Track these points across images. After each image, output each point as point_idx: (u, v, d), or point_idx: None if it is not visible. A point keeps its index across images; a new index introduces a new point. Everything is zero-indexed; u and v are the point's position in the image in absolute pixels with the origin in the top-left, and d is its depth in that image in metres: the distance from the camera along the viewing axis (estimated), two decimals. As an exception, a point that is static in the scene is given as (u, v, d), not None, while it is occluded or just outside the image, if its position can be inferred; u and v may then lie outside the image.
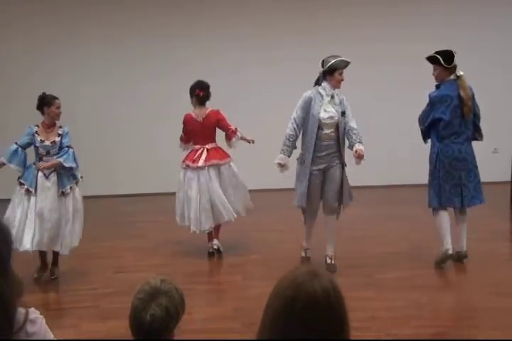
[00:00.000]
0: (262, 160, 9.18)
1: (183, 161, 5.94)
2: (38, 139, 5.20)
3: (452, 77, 5.24)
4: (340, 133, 5.34)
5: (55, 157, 5.16)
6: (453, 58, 5.17)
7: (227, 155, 6.01)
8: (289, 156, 5.40)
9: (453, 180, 5.28)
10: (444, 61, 5.16)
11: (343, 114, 5.30)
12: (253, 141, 6.11)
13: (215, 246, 5.95)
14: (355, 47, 8.86)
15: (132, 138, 9.11)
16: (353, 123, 5.34)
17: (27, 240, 4.96)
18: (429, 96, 5.36)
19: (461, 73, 5.23)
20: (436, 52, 5.24)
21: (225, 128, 5.96)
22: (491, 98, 9.29)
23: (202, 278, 5.28)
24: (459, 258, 5.43)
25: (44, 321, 1.81)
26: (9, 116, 9.11)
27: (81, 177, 5.34)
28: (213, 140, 6.01)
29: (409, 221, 7.00)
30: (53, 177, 5.14)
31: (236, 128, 5.99)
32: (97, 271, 5.57)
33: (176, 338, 2.01)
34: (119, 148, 9.16)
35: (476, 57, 9.20)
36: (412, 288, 4.84)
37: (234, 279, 5.24)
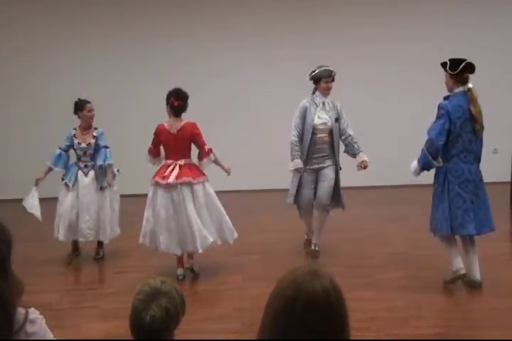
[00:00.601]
0: (262, 160, 9.25)
1: (153, 177, 5.25)
2: (76, 142, 5.80)
3: (461, 88, 4.75)
4: (335, 137, 5.75)
5: (92, 159, 5.82)
6: (458, 66, 4.71)
7: (201, 174, 5.34)
8: (302, 159, 5.70)
9: (464, 204, 4.76)
10: (449, 67, 4.76)
11: (337, 120, 5.72)
12: (229, 173, 5.58)
13: (188, 265, 5.39)
14: (355, 48, 8.88)
15: (133, 138, 9.10)
16: (350, 131, 5.77)
17: (67, 231, 5.67)
18: (440, 105, 4.79)
19: (470, 86, 4.74)
20: (450, 58, 4.85)
21: (200, 144, 5.31)
22: (491, 98, 9.30)
23: (202, 278, 5.28)
24: (471, 285, 4.86)
25: (44, 321, 1.81)
26: (9, 116, 9.12)
27: (117, 170, 5.96)
28: (187, 155, 5.32)
29: (409, 221, 7.00)
30: (92, 174, 5.77)
31: (211, 149, 5.37)
32: (97, 271, 5.57)
33: (176, 338, 2.01)
34: (119, 148, 9.13)
35: (476, 57, 9.13)
36: (412, 288, 4.84)
37: (234, 279, 5.24)
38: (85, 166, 5.80)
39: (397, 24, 9.14)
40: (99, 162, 5.78)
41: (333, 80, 5.70)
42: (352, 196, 8.90)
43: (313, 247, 5.95)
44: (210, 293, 4.91)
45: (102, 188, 5.78)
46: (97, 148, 5.82)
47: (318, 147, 5.70)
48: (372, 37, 8.97)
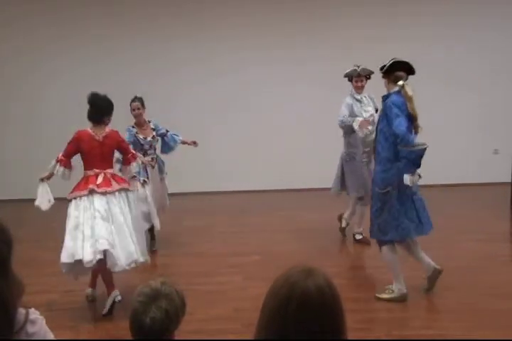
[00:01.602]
0: (262, 160, 9.25)
1: (79, 189, 4.63)
2: (141, 137, 6.01)
3: (397, 88, 4.59)
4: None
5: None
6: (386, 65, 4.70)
7: (127, 182, 4.94)
8: (355, 152, 6.08)
9: (415, 205, 4.58)
10: (379, 69, 4.76)
11: (376, 111, 6.00)
12: (152, 166, 5.93)
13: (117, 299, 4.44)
14: (355, 48, 8.88)
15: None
16: None
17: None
18: (389, 104, 4.51)
19: (401, 83, 4.57)
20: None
21: (126, 150, 4.99)
22: (492, 99, 9.31)
23: (202, 278, 5.28)
24: (435, 277, 4.76)
25: (44, 321, 1.81)
26: (9, 116, 9.12)
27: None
28: (111, 165, 4.90)
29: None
30: (156, 166, 6.13)
31: (136, 154, 5.20)
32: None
33: (175, 338, 2.01)
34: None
35: (476, 58, 9.21)
36: (413, 289, 4.84)
37: (234, 280, 5.24)
38: (152, 159, 6.07)
39: (397, 24, 9.14)
40: (178, 140, 6.31)
41: (368, 78, 6.11)
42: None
43: (361, 236, 6.20)
44: (209, 294, 4.91)
45: (162, 179, 6.21)
46: (162, 136, 6.22)
47: (369, 140, 5.83)
48: (372, 37, 8.97)
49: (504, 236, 6.48)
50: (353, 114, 5.99)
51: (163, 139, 6.29)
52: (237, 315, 4.33)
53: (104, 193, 4.59)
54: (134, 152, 5.15)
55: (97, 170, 4.70)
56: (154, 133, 6.14)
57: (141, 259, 4.67)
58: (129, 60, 9.13)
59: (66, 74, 9.00)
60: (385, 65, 4.68)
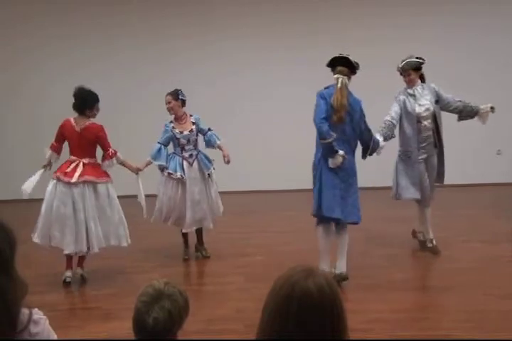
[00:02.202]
0: (266, 160, 9.25)
1: (55, 172, 5.16)
2: (177, 131, 5.82)
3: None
4: (438, 122, 5.84)
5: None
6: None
7: (105, 175, 5.23)
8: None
9: (334, 189, 4.90)
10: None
11: (437, 102, 5.81)
12: (137, 172, 5.54)
13: (79, 273, 5.31)
14: (356, 49, 8.86)
15: (134, 139, 9.11)
16: (457, 98, 5.98)
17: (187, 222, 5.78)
18: (318, 93, 4.92)
19: (335, 76, 4.93)
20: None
21: (103, 147, 5.24)
22: (494, 99, 9.28)
23: (205, 279, 5.28)
24: (336, 279, 4.74)
25: (47, 322, 1.82)
26: (11, 116, 9.14)
27: (213, 159, 5.98)
28: (92, 155, 5.24)
29: (411, 222, 6.98)
30: (196, 164, 5.83)
31: (115, 152, 5.28)
32: (100, 271, 5.57)
33: (178, 338, 2.01)
34: (122, 149, 9.16)
35: (477, 59, 9.20)
36: (416, 289, 4.84)
37: (237, 280, 5.24)
38: (190, 156, 5.82)
39: (397, 25, 9.15)
40: (214, 144, 5.96)
41: (417, 69, 5.76)
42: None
43: (431, 244, 5.91)
44: (212, 294, 4.91)
45: (209, 175, 5.88)
46: (197, 134, 5.93)
47: (425, 135, 5.76)
48: (373, 38, 8.99)
49: (508, 237, 6.46)
50: (405, 111, 5.75)
51: (204, 137, 6.02)
52: (239, 316, 4.33)
53: (67, 183, 4.98)
54: (113, 150, 5.22)
55: (73, 158, 5.12)
56: (194, 127, 5.88)
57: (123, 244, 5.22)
58: (130, 61, 9.14)
59: (68, 75, 8.99)
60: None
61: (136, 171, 5.50)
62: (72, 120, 5.17)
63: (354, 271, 5.35)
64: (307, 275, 1.61)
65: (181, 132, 5.82)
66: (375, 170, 9.06)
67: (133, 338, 1.97)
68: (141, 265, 5.78)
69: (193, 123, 5.89)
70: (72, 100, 5.16)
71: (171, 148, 5.91)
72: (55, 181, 5.07)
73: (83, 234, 4.98)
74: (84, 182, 5.02)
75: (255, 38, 9.09)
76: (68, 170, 5.03)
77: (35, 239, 5.07)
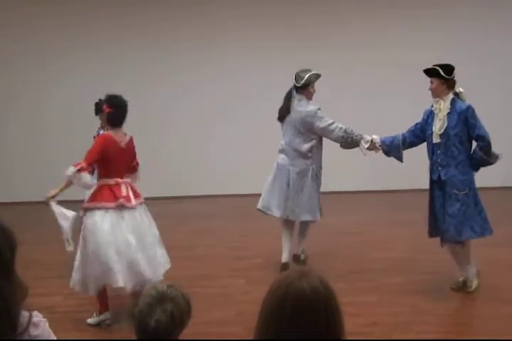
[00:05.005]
0: (266, 163, 9.22)
1: (104, 200, 4.24)
2: None
3: (451, 94, 4.83)
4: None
5: None
6: (453, 71, 4.81)
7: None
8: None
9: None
10: (444, 73, 4.76)
11: None
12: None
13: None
14: (356, 52, 8.89)
15: (136, 140, 9.14)
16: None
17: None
18: (472, 107, 4.81)
19: (461, 90, 4.89)
20: (435, 65, 4.87)
21: (135, 157, 4.69)
22: (493, 103, 9.29)
23: (205, 281, 5.27)
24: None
25: (47, 324, 1.82)
26: (13, 118, 9.14)
27: None
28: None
29: (411, 226, 6.98)
30: None
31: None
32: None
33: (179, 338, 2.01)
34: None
35: (476, 62, 9.20)
36: (415, 293, 4.83)
37: (237, 283, 5.24)
38: None
39: (397, 28, 9.16)
40: None
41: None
42: (353, 201, 8.94)
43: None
44: (212, 297, 4.90)
45: None
46: None
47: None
48: (374, 41, 9.01)
49: (508, 241, 6.45)
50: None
51: None
52: (239, 319, 4.33)
53: (132, 208, 4.29)
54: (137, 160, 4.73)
55: (118, 180, 4.33)
56: None
57: (167, 267, 4.57)
58: (131, 62, 9.15)
59: (71, 76, 9.03)
60: (431, 68, 4.85)
61: None
62: (114, 136, 4.35)
63: (354, 274, 5.35)
64: (301, 276, 1.63)
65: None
66: (373, 174, 9.10)
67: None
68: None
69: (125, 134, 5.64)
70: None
71: None
72: (109, 211, 4.21)
73: (145, 264, 4.28)
74: (141, 204, 4.40)
75: (255, 38, 9.10)
76: (124, 194, 4.27)
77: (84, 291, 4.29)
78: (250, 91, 9.17)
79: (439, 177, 4.80)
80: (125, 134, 4.47)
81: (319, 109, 5.46)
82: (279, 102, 9.03)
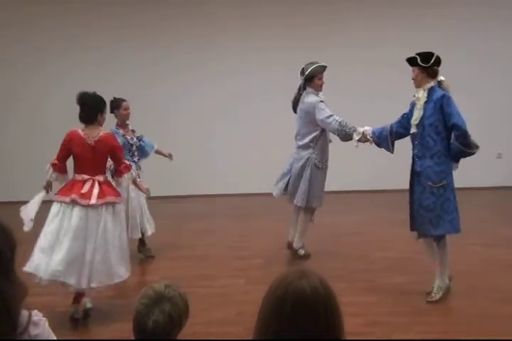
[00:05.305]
0: (266, 163, 9.23)
1: (63, 193, 4.35)
2: (129, 138, 5.85)
3: (433, 83, 4.62)
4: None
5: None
6: (431, 58, 4.57)
7: (119, 193, 4.55)
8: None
9: None
10: (421, 60, 4.56)
11: None
12: (149, 193, 5.07)
13: (87, 306, 4.50)
14: (356, 52, 8.89)
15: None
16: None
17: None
18: (448, 95, 4.57)
19: (443, 78, 4.66)
20: (417, 53, 4.64)
21: (119, 159, 4.56)
22: (494, 103, 9.30)
23: (204, 281, 5.27)
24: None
25: (47, 323, 1.82)
26: (12, 118, 9.14)
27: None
28: (104, 171, 4.56)
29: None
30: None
31: (130, 165, 4.71)
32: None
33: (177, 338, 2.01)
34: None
35: (476, 62, 9.21)
36: (415, 293, 4.83)
37: (237, 283, 5.24)
38: (138, 160, 5.93)
39: (397, 28, 9.17)
40: (150, 149, 6.10)
41: None
42: (353, 201, 8.94)
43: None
44: (212, 297, 4.90)
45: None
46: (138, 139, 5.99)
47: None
48: (373, 41, 9.01)
49: (508, 241, 6.46)
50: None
51: (139, 143, 5.99)
52: (239, 319, 4.33)
53: (86, 206, 4.27)
54: (127, 162, 4.64)
55: (85, 176, 4.38)
56: (134, 134, 5.97)
57: (126, 276, 4.53)
58: (131, 63, 9.16)
59: (71, 76, 9.03)
60: (411, 57, 4.67)
61: (147, 192, 5.06)
62: (80, 132, 4.43)
63: (354, 274, 5.35)
64: (301, 275, 1.64)
65: (132, 138, 5.90)
66: (373, 174, 9.09)
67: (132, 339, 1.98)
68: (141, 267, 5.78)
69: (133, 131, 5.97)
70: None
71: None
72: (63, 204, 4.32)
73: (101, 268, 4.31)
74: (105, 203, 4.34)
75: (255, 38, 9.10)
76: (84, 191, 4.30)
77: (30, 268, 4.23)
78: (250, 91, 9.17)
79: (416, 169, 4.66)
80: (99, 133, 4.44)
81: (321, 101, 5.60)
82: (279, 102, 9.10)
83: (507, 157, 9.38)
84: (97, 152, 4.40)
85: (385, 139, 5.04)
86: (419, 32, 9.05)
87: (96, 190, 4.31)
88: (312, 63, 5.73)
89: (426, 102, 4.60)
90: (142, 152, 6.04)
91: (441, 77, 4.66)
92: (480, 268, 5.48)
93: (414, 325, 4.23)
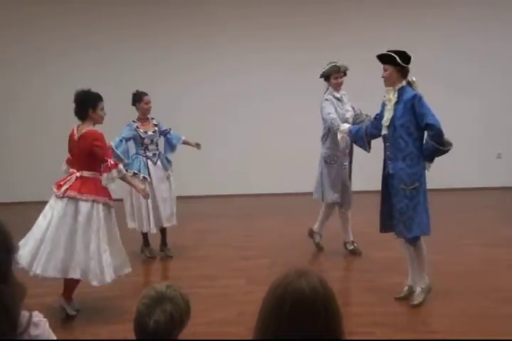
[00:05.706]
0: (270, 163, 9.24)
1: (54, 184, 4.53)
2: (141, 131, 5.95)
3: (404, 83, 4.54)
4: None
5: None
6: (410, 59, 4.48)
7: (97, 193, 4.41)
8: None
9: None
10: (401, 60, 4.44)
11: (353, 108, 5.94)
12: (146, 196, 4.96)
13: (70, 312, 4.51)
14: (356, 52, 8.88)
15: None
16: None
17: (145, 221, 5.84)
18: (420, 95, 4.47)
19: (414, 79, 4.56)
20: (390, 51, 4.53)
21: (97, 157, 4.43)
22: (493, 103, 9.30)
23: (206, 281, 5.27)
24: None
25: (47, 324, 1.82)
26: (13, 118, 9.13)
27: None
28: (91, 168, 4.46)
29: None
30: (159, 163, 5.97)
31: (116, 164, 4.50)
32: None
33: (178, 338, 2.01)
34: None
35: (476, 62, 9.20)
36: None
37: (238, 283, 5.24)
38: (153, 155, 5.94)
39: (398, 28, 9.15)
40: (177, 141, 6.20)
41: (344, 75, 5.86)
42: (353, 201, 8.90)
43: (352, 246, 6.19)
44: (213, 297, 4.90)
45: (168, 177, 6.00)
46: (162, 133, 6.13)
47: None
48: (374, 41, 8.98)
49: (508, 241, 6.45)
50: (337, 114, 5.67)
51: (166, 138, 6.17)
52: (240, 319, 4.32)
53: (57, 197, 4.37)
54: (113, 162, 4.48)
55: (71, 170, 4.53)
56: (156, 128, 6.04)
57: (126, 271, 4.60)
58: (131, 63, 9.14)
59: (71, 76, 9.01)
60: (386, 54, 4.57)
61: (145, 195, 4.92)
62: (74, 128, 4.57)
63: (354, 274, 5.35)
64: (301, 275, 1.64)
65: (146, 132, 5.96)
66: (373, 174, 9.08)
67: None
68: (142, 267, 5.78)
69: (155, 125, 6.07)
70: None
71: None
72: (52, 196, 4.48)
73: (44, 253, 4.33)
74: (68, 197, 4.34)
75: (255, 38, 9.09)
76: (62, 182, 4.44)
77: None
78: (250, 91, 9.17)
79: (389, 171, 4.57)
80: (83, 129, 4.48)
81: (326, 99, 5.75)
82: (279, 102, 9.11)
83: (507, 157, 9.38)
84: (80, 148, 4.47)
85: (361, 138, 5.05)
86: (419, 32, 9.05)
87: (69, 184, 4.40)
88: (329, 63, 5.84)
89: (396, 103, 4.52)
90: (170, 145, 6.18)
91: (413, 77, 4.57)
92: (480, 268, 5.48)
93: (415, 325, 4.23)
